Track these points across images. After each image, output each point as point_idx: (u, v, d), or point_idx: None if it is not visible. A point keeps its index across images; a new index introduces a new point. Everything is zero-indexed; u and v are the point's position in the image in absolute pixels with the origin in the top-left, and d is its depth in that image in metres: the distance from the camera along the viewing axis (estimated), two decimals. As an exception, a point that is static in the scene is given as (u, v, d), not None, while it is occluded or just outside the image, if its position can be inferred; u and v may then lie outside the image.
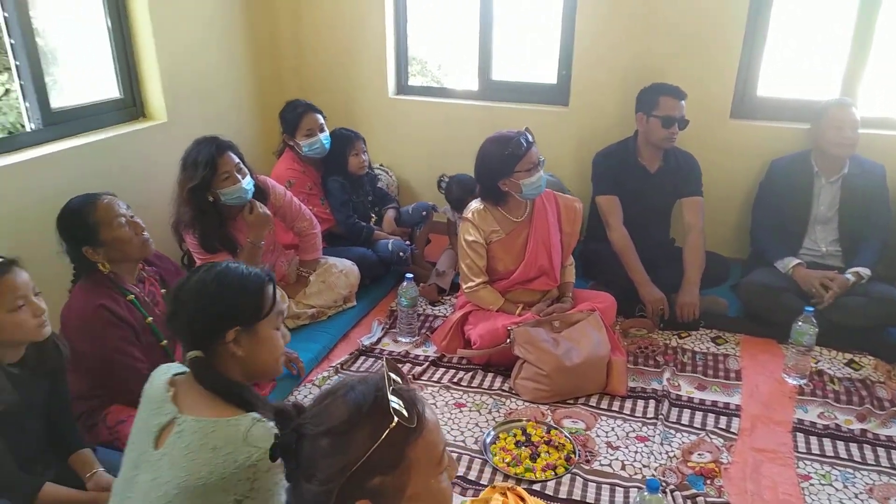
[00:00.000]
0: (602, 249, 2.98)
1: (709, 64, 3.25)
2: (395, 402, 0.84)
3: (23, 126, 2.61)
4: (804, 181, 2.94)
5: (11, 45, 2.48)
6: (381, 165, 3.88)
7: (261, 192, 2.59)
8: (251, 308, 1.31)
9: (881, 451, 2.09)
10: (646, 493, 1.59)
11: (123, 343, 1.89)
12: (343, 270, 2.90)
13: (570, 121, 3.56)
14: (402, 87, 3.93)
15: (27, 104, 2.56)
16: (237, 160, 2.44)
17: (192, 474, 1.15)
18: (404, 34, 3.82)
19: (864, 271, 2.72)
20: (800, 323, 2.42)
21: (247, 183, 2.43)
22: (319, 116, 3.04)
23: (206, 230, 2.43)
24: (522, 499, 1.76)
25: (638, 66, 3.28)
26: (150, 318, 1.98)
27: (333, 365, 2.54)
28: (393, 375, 0.89)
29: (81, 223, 1.90)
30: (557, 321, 2.47)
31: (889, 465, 2.03)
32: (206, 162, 2.34)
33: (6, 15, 2.44)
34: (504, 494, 1.77)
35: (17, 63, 2.50)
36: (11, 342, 1.57)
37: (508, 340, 2.40)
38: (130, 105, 3.00)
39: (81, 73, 2.92)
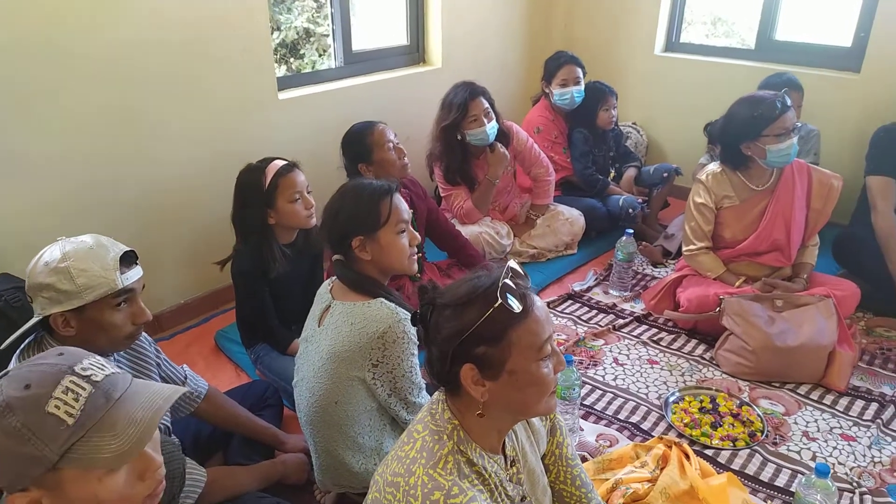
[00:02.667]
0: (863, 235, 2.64)
1: None
2: (508, 291, 1.00)
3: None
4: None
5: (329, -2, 3.06)
6: (633, 124, 3.86)
7: (504, 136, 2.85)
8: (370, 220, 1.53)
9: None
10: (813, 477, 1.51)
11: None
12: (569, 218, 3.04)
13: (861, 89, 3.14)
14: (672, 45, 3.82)
15: (335, 45, 3.14)
16: (486, 105, 2.71)
17: (336, 343, 1.50)
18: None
19: None
20: None
21: (490, 127, 2.70)
22: (579, 70, 3.16)
23: (450, 164, 2.78)
24: (687, 456, 1.80)
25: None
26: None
27: (542, 301, 2.73)
28: (517, 269, 1.06)
29: (361, 143, 2.35)
30: (781, 301, 2.31)
31: None
32: (459, 104, 2.66)
33: (327, -27, 3.01)
34: (669, 446, 1.83)
35: (332, 11, 3.08)
36: (287, 226, 2.07)
37: (718, 309, 2.33)
38: (414, 51, 3.47)
39: (378, 23, 3.45)
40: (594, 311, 2.70)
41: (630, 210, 3.10)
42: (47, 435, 0.81)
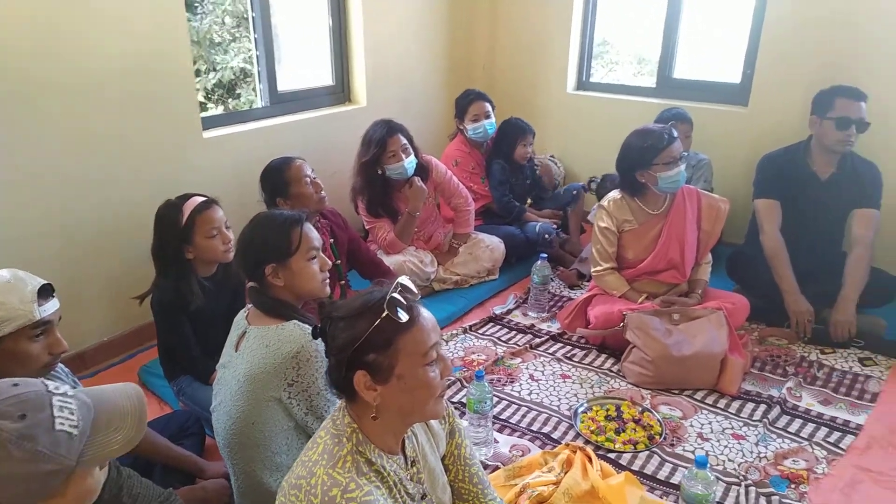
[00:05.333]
0: (754, 253, 2.90)
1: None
2: (396, 304, 1.12)
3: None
4: None
5: (255, 38, 3.19)
6: (551, 156, 4.10)
7: (424, 170, 3.00)
8: (281, 248, 1.63)
9: None
10: (694, 469, 1.67)
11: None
12: (490, 246, 3.21)
13: (749, 122, 3.46)
14: (583, 84, 4.10)
15: (260, 86, 3.25)
16: (405, 141, 2.87)
17: (253, 365, 1.59)
18: (591, 33, 3.99)
19: None
20: (956, 352, 2.19)
21: (409, 162, 2.86)
22: (487, 105, 3.38)
23: (372, 198, 2.92)
24: (590, 459, 1.94)
25: (827, 67, 3.09)
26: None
27: (464, 326, 2.86)
28: (406, 284, 1.18)
29: (278, 179, 2.45)
30: (678, 314, 2.51)
31: None
32: (378, 141, 2.81)
33: (254, 15, 3.14)
34: (574, 451, 1.97)
35: (257, 53, 3.20)
36: (205, 260, 2.14)
37: (622, 324, 2.52)
38: (339, 91, 3.61)
39: (302, 64, 3.59)
40: (513, 332, 2.85)
41: (546, 235, 3.29)
42: (65, 449, 0.92)
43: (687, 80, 3.75)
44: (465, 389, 2.38)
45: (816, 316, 2.70)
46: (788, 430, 2.18)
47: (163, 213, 2.11)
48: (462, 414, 2.23)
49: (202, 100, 5.08)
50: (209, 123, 2.97)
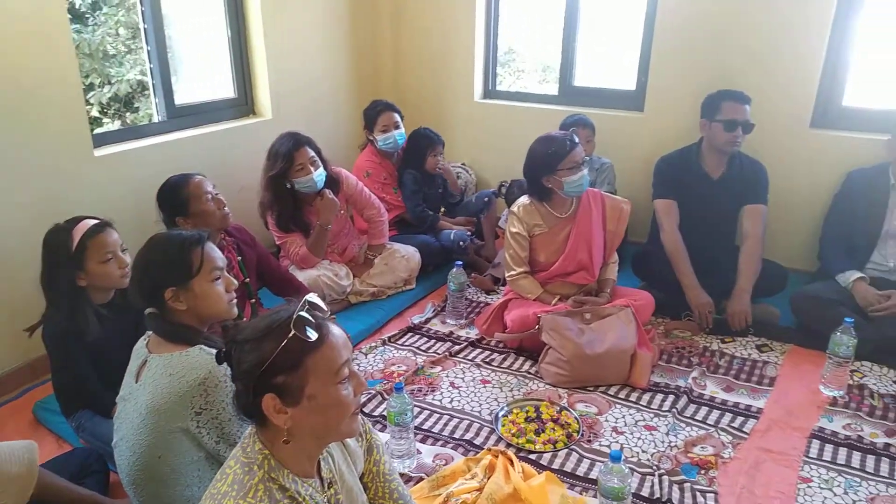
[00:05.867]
0: (656, 251, 3.03)
1: (789, 72, 3.20)
2: (304, 322, 1.09)
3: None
4: (879, 194, 2.82)
5: (148, 51, 3.04)
6: (462, 164, 4.15)
7: (334, 182, 2.96)
8: (181, 270, 1.55)
9: (901, 467, 2.03)
10: (609, 463, 1.72)
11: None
12: (405, 255, 3.20)
13: (645, 126, 3.63)
14: (489, 92, 4.18)
15: (156, 100, 3.11)
16: (312, 154, 2.81)
17: (156, 396, 1.50)
18: (495, 43, 4.07)
19: (933, 289, 2.58)
20: (838, 333, 2.37)
21: (318, 175, 2.81)
22: (396, 115, 3.37)
23: (282, 212, 2.84)
24: (511, 462, 1.96)
25: (714, 73, 3.29)
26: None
27: (382, 337, 2.84)
28: (315, 301, 1.15)
29: (176, 197, 2.34)
30: (589, 314, 2.59)
31: (904, 481, 1.97)
32: (284, 154, 2.75)
33: (146, 26, 3.00)
34: (496, 456, 1.98)
35: (151, 66, 3.05)
36: (100, 287, 2.01)
37: (537, 326, 2.57)
38: (242, 104, 3.50)
39: (202, 76, 3.46)
40: (433, 341, 2.84)
41: (461, 242, 3.32)
42: None
43: (587, 88, 3.90)
44: (386, 402, 2.35)
45: (716, 307, 2.85)
46: (696, 418, 2.29)
47: (50, 239, 1.96)
48: (383, 427, 2.20)
49: (97, 115, 4.82)
50: (102, 140, 2.81)
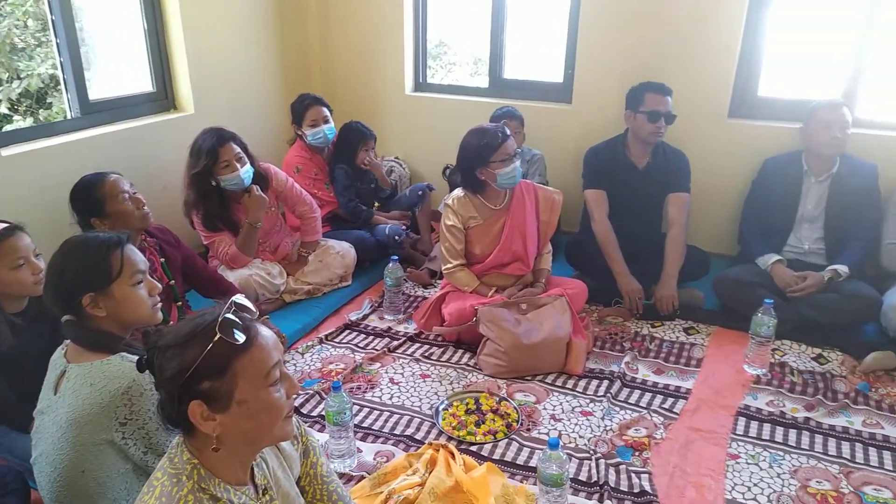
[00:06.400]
0: (588, 240, 3.10)
1: (707, 64, 3.32)
2: (231, 325, 1.04)
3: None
4: (793, 180, 2.97)
5: (58, 43, 2.86)
6: (395, 158, 4.11)
7: (262, 179, 2.87)
8: (99, 274, 1.47)
9: (818, 438, 2.14)
10: (548, 451, 1.75)
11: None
12: (340, 252, 3.14)
13: (573, 118, 3.69)
14: (420, 85, 4.16)
15: (69, 96, 2.93)
16: (238, 150, 2.72)
17: (76, 408, 1.42)
18: (424, 35, 4.05)
19: (842, 269, 2.74)
20: (759, 314, 2.49)
21: (244, 171, 2.71)
22: (325, 109, 3.30)
23: (208, 211, 2.74)
24: (453, 455, 1.96)
25: (637, 66, 3.38)
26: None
27: (319, 336, 2.78)
28: (242, 302, 1.11)
29: (90, 197, 2.21)
30: (525, 304, 2.62)
31: (822, 451, 2.09)
32: (208, 151, 2.64)
33: (53, 18, 2.82)
34: (437, 450, 1.98)
35: (62, 60, 2.87)
36: (12, 295, 1.89)
37: (475, 319, 2.58)
38: (162, 98, 3.35)
39: (119, 70, 3.29)
40: (371, 337, 2.81)
41: (396, 237, 3.30)
42: None
43: (517, 80, 3.93)
44: (324, 402, 2.31)
45: (645, 293, 2.94)
46: (629, 401, 2.36)
47: (-47, 246, 1.82)
48: (322, 427, 2.16)
49: (6, 111, 4.51)
50: (9, 139, 2.64)
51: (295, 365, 2.59)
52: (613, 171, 3.07)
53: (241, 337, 1.04)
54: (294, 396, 1.15)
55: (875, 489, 1.93)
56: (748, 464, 2.04)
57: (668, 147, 3.10)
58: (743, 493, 1.91)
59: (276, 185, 2.97)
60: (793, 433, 2.17)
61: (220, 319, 1.04)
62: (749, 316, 2.56)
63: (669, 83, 2.99)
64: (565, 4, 3.61)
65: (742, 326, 2.72)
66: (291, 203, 3.05)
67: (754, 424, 2.22)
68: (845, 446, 2.11)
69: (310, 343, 2.73)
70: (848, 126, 2.85)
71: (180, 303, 2.37)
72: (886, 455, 2.07)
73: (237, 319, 1.06)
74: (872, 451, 2.09)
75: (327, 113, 3.31)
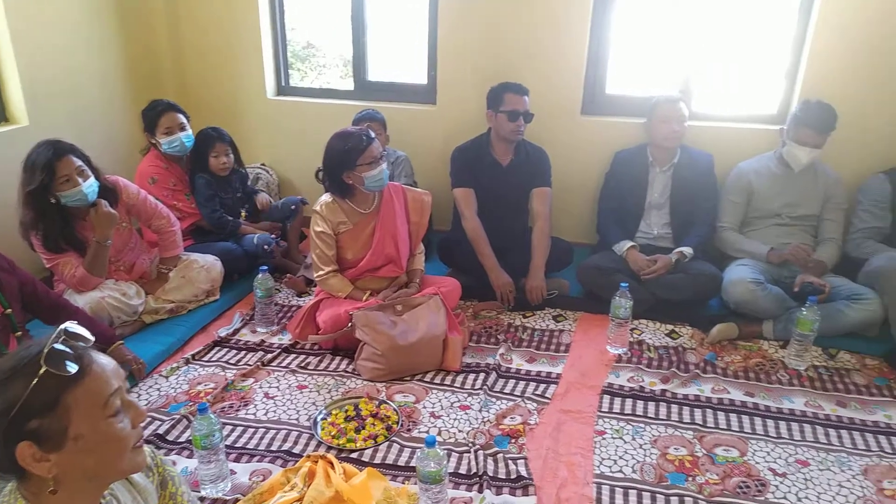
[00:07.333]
0: (459, 238, 3.16)
1: (559, 65, 3.49)
2: (59, 356, 0.96)
3: None
4: (640, 170, 3.20)
5: None
6: (262, 164, 3.98)
7: (110, 193, 2.67)
8: None
9: (674, 408, 2.33)
10: (425, 449, 1.76)
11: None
12: (205, 266, 2.99)
13: (439, 118, 3.75)
14: (282, 89, 4.04)
15: None
16: (79, 163, 2.50)
17: None
18: (283, 38, 3.94)
19: (688, 250, 2.99)
20: (617, 297, 2.66)
21: (88, 185, 2.50)
22: (180, 116, 3.12)
23: (49, 231, 2.50)
24: (332, 465, 1.92)
25: (496, 68, 3.49)
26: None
27: (185, 356, 2.63)
28: (73, 329, 1.02)
29: None
30: (400, 305, 2.63)
31: (678, 420, 2.27)
32: (43, 165, 2.41)
33: None
34: (315, 462, 1.93)
35: None
36: None
37: (350, 324, 2.55)
38: (-11, 109, 3.02)
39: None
40: (242, 352, 2.70)
41: (266, 246, 3.18)
42: None
43: (381, 83, 3.93)
44: (191, 426, 2.18)
45: (515, 286, 3.04)
46: (505, 391, 2.43)
47: None
48: (192, 453, 2.05)
49: None
50: None
51: (159, 389, 2.43)
52: (479, 170, 3.15)
53: (73, 367, 0.96)
54: (141, 425, 1.07)
55: (724, 449, 2.13)
56: (613, 438, 2.17)
57: (529, 144, 3.23)
58: (610, 467, 2.04)
59: (127, 199, 2.77)
60: (651, 406, 2.34)
61: (45, 350, 0.95)
62: (609, 300, 2.73)
63: (526, 83, 3.11)
64: (424, 6, 3.65)
65: (604, 310, 2.88)
66: (146, 217, 2.86)
67: (617, 400, 2.37)
68: (697, 413, 2.30)
69: (175, 365, 2.58)
70: (685, 119, 3.12)
71: (20, 333, 2.14)
72: (733, 417, 2.29)
73: (67, 349, 0.97)
74: (721, 415, 2.30)
75: (183, 119, 3.13)
